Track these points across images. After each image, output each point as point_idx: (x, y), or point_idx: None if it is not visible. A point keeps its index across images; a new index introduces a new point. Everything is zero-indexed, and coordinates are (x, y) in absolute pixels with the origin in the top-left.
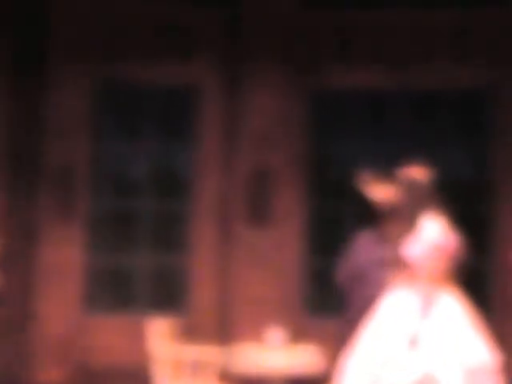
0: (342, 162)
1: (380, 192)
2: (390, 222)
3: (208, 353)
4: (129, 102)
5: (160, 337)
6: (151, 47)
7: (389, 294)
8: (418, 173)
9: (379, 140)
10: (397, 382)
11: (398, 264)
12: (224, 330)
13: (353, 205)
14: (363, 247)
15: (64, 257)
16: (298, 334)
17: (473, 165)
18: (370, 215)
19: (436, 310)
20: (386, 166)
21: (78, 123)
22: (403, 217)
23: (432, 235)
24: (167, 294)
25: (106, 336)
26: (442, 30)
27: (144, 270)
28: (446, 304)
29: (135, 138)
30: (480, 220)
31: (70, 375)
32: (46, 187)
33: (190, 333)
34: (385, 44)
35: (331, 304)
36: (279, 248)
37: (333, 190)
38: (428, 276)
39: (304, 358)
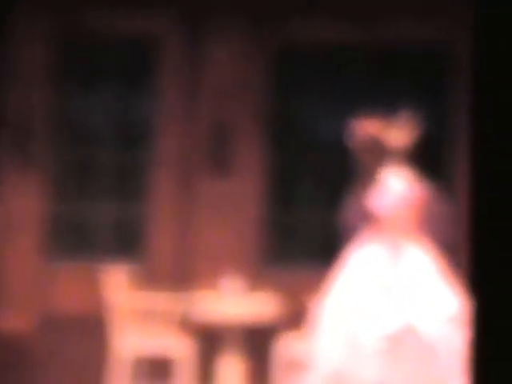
0: (303, 116)
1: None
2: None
3: (166, 300)
4: (89, 52)
5: (118, 284)
6: None
7: (356, 247)
8: (378, 128)
9: (341, 96)
10: (375, 335)
11: (364, 218)
12: (182, 279)
13: (311, 158)
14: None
15: (23, 206)
16: (257, 283)
17: (432, 123)
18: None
19: (405, 260)
20: (347, 122)
21: (37, 73)
22: (365, 171)
23: (397, 186)
24: (126, 243)
25: (66, 284)
26: None
27: (104, 219)
28: (414, 254)
29: (95, 88)
30: (436, 178)
31: (31, 323)
32: (4, 137)
33: (149, 281)
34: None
35: (290, 254)
36: (239, 198)
37: (293, 144)
38: (395, 227)
39: (262, 306)
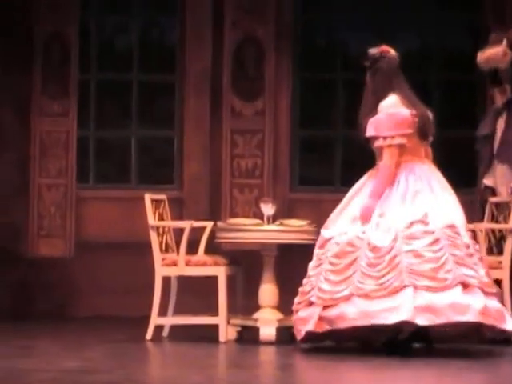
0: (330, 31)
1: None
2: None
3: (201, 226)
4: None
5: (155, 210)
6: None
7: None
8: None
9: (368, 12)
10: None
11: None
12: (217, 206)
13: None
14: None
15: (57, 129)
16: (288, 206)
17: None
18: None
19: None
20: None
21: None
22: (372, 94)
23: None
24: (158, 167)
25: (100, 208)
26: None
27: (135, 142)
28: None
29: (124, 10)
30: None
31: (68, 249)
32: (38, 59)
33: (181, 206)
34: None
35: (322, 176)
36: (270, 120)
37: (322, 60)
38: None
39: (296, 227)
